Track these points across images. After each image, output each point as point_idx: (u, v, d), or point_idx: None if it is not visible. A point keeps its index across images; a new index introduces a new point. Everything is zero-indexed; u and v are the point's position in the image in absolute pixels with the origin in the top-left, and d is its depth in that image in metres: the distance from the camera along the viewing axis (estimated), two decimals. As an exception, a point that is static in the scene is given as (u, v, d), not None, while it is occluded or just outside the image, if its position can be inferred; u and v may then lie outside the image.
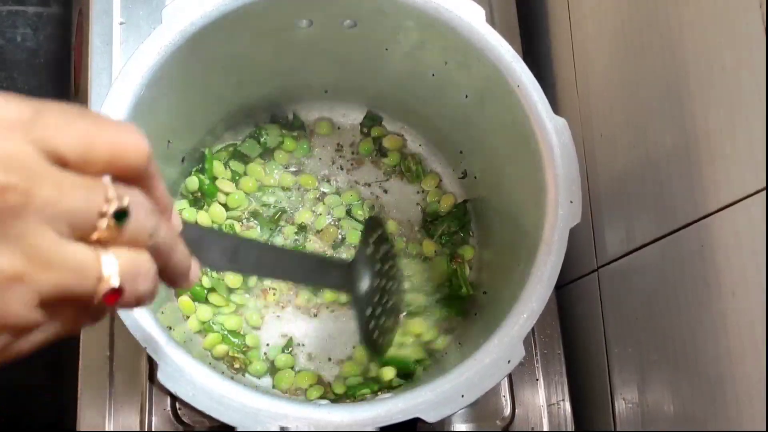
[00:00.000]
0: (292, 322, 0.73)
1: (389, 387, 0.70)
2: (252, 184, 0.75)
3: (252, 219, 0.75)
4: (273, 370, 0.71)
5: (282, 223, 0.75)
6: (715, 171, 0.53)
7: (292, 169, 0.77)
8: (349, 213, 0.76)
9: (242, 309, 0.72)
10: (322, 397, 0.70)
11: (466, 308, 0.74)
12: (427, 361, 0.71)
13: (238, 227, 0.74)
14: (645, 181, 0.64)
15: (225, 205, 0.74)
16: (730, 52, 0.51)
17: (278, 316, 0.73)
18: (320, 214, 0.76)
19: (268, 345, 0.72)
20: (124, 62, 0.60)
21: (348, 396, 0.70)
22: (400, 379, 0.70)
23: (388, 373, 0.70)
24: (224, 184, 0.74)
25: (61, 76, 1.14)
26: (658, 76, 0.61)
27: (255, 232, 0.74)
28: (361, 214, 0.76)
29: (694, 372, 0.57)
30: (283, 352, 0.71)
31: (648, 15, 0.62)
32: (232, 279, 0.72)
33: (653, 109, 0.62)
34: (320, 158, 0.78)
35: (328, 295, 0.73)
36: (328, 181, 0.78)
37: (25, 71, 1.14)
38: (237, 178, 0.75)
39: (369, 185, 0.78)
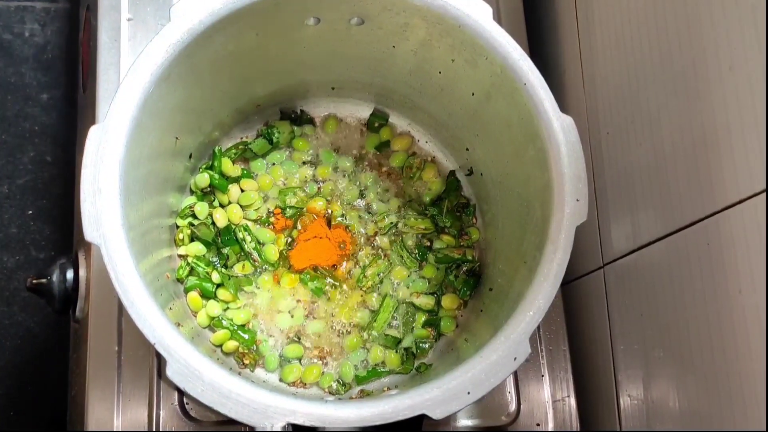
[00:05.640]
0: (300, 314, 0.73)
1: (397, 372, 0.72)
2: (268, 182, 0.76)
3: (265, 219, 0.75)
4: (282, 362, 0.71)
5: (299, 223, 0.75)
6: (722, 169, 0.54)
7: (306, 166, 0.78)
8: (359, 200, 0.77)
9: (251, 304, 0.73)
10: (332, 389, 0.70)
11: (477, 282, 0.75)
12: (430, 340, 0.73)
13: (253, 227, 0.74)
14: (651, 178, 0.64)
15: (237, 203, 0.75)
16: (738, 51, 0.51)
17: (288, 312, 0.73)
18: (333, 204, 0.76)
19: (276, 337, 0.72)
20: (133, 59, 0.61)
21: (359, 382, 0.71)
22: (408, 363, 0.72)
23: (391, 357, 0.72)
24: (245, 183, 0.75)
25: (69, 71, 1.14)
26: (666, 74, 0.61)
27: (267, 232, 0.74)
28: (373, 197, 0.77)
29: (699, 369, 0.57)
30: (291, 343, 0.72)
31: (655, 13, 0.62)
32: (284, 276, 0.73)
33: (660, 108, 0.62)
34: (327, 154, 0.78)
35: (333, 294, 0.74)
36: (338, 175, 0.78)
37: (33, 66, 1.14)
38: (252, 176, 0.76)
39: (374, 181, 0.78)
